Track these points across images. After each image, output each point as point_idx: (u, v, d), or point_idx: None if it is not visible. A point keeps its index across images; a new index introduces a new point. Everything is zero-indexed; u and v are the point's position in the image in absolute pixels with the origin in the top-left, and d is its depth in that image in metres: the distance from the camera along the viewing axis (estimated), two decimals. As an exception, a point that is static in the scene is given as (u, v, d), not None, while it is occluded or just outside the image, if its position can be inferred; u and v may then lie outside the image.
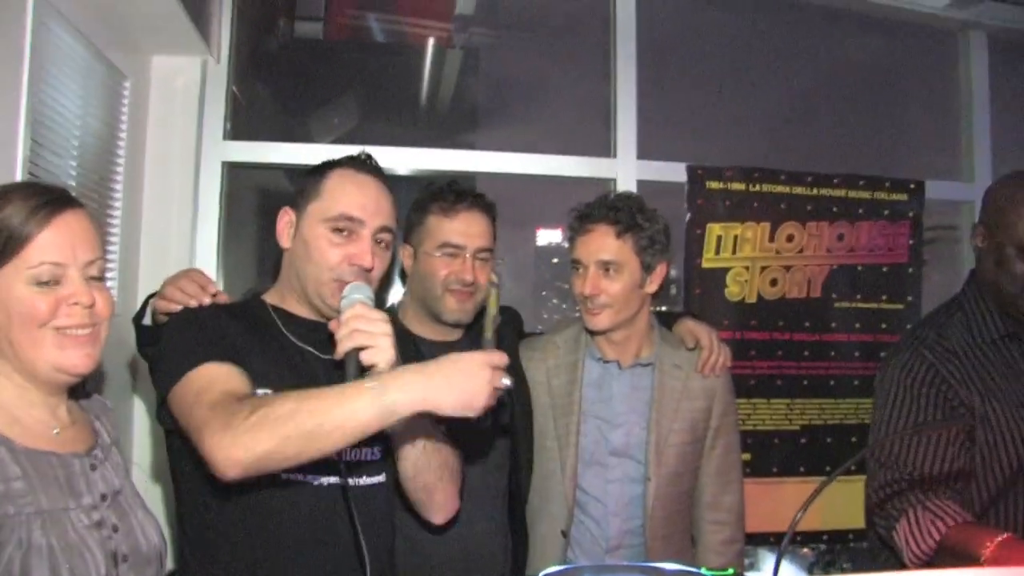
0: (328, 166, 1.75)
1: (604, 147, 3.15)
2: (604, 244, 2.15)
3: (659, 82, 3.23)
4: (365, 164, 1.77)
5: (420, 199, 2.22)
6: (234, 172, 2.96)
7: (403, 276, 2.36)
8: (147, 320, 1.79)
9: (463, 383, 1.34)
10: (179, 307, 1.69)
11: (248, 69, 3.18)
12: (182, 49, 2.75)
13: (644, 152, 3.12)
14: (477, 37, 3.58)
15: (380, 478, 1.71)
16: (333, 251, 1.66)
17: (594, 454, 2.21)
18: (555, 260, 3.91)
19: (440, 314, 2.15)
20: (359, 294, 1.56)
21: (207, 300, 1.71)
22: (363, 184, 1.72)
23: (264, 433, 1.29)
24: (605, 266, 2.15)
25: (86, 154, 2.29)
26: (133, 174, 2.63)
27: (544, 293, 4.29)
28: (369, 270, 1.66)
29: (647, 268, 2.18)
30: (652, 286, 2.21)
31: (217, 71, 2.91)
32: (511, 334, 2.38)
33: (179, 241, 2.77)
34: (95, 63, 2.34)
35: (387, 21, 3.60)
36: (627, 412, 2.22)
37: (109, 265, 2.46)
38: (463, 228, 2.14)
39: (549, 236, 3.83)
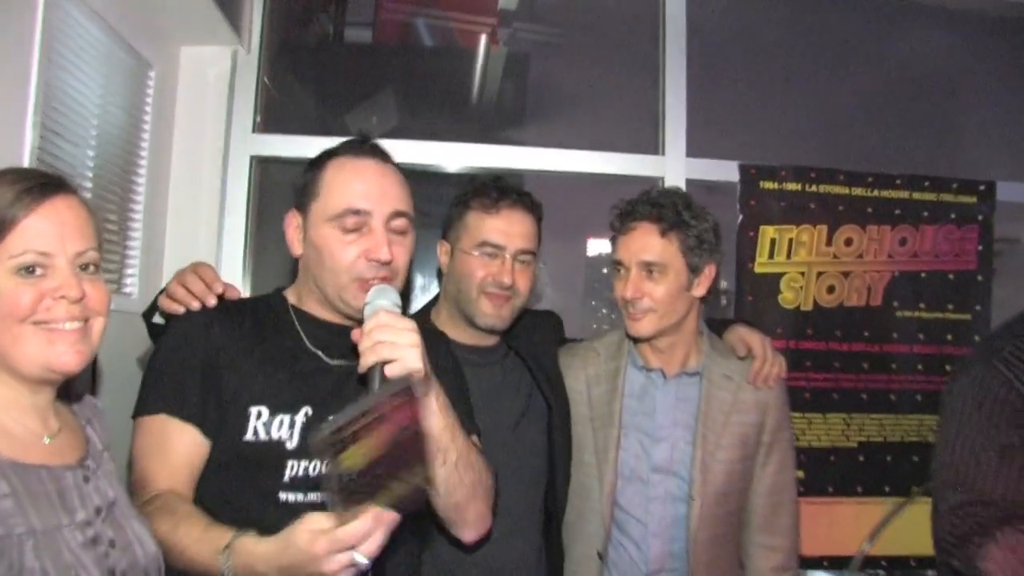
0: (322, 159, 1.65)
1: (652, 145, 3.05)
2: (647, 244, 2.04)
3: (709, 77, 3.12)
4: (362, 147, 1.65)
5: (461, 194, 2.13)
6: (265, 167, 2.91)
7: (440, 274, 2.26)
8: (157, 317, 1.72)
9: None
10: (182, 308, 1.62)
11: (281, 60, 3.13)
12: (211, 39, 2.73)
13: (694, 150, 3.02)
14: (522, 34, 3.53)
15: None
16: (346, 250, 1.56)
17: (635, 470, 2.09)
18: (604, 270, 3.83)
19: (473, 317, 2.05)
20: (383, 299, 1.46)
21: (212, 300, 1.62)
22: (363, 170, 1.61)
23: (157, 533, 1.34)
24: (648, 267, 2.03)
25: (106, 144, 2.24)
26: (158, 167, 2.60)
27: (593, 303, 4.19)
28: (389, 262, 1.56)
29: (694, 269, 2.05)
30: (700, 289, 2.09)
31: (247, 62, 2.87)
32: (550, 340, 2.27)
33: (206, 237, 2.73)
34: (117, 50, 2.29)
35: (432, 18, 3.57)
36: (671, 425, 2.10)
37: (130, 260, 2.41)
38: (504, 227, 2.04)
39: (599, 246, 3.80)
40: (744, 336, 2.19)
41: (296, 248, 1.66)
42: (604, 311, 4.06)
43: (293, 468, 1.48)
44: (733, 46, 3.26)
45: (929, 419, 2.94)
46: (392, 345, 1.35)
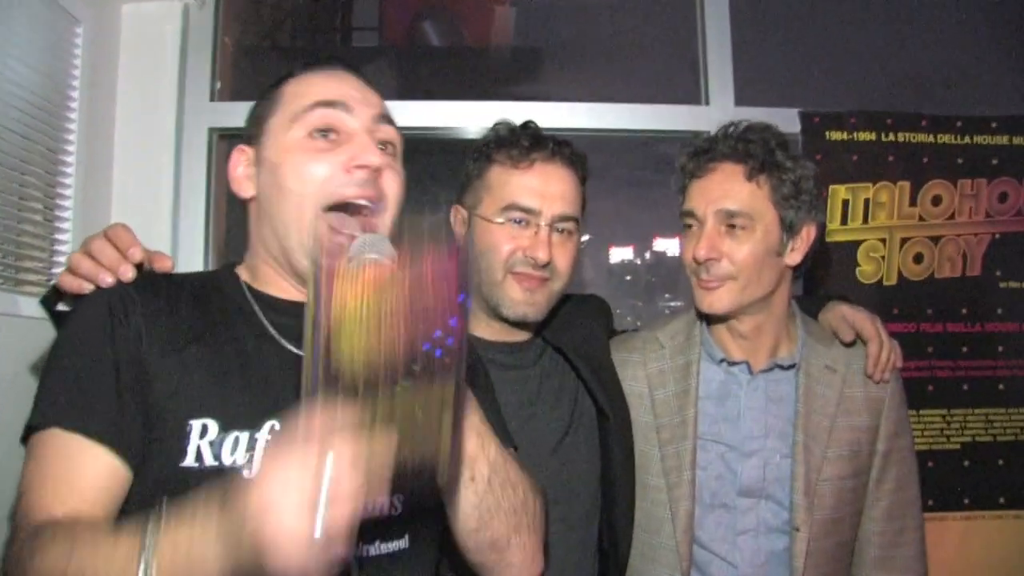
0: (283, 78, 1.34)
1: (693, 94, 2.73)
2: (730, 188, 1.67)
3: (758, 11, 2.81)
4: (335, 60, 1.35)
5: (481, 145, 1.79)
6: (228, 141, 2.59)
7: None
8: (63, 304, 1.31)
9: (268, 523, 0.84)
10: (89, 286, 1.22)
11: (244, 13, 2.78)
12: None
13: (743, 98, 2.70)
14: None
15: (400, 543, 1.22)
16: (316, 162, 1.22)
17: (717, 494, 1.73)
18: (628, 277, 3.75)
19: (499, 305, 1.70)
20: (374, 252, 1.07)
21: (128, 272, 1.22)
22: (336, 74, 1.31)
23: None
24: (730, 219, 1.66)
25: (15, 117, 1.87)
26: (95, 144, 2.26)
27: (618, 311, 3.91)
28: (379, 170, 1.23)
29: (788, 227, 1.68)
30: (795, 255, 1.73)
31: (202, 18, 2.59)
32: (598, 330, 1.89)
33: (159, 222, 2.41)
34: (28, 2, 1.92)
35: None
36: (762, 435, 1.73)
37: (59, 257, 2.05)
38: (539, 185, 1.69)
39: (622, 253, 3.71)
40: (849, 316, 1.82)
41: (245, 187, 1.31)
42: (629, 319, 3.79)
43: None
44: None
45: None
46: None
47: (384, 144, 1.28)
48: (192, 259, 2.44)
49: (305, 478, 0.83)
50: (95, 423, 1.09)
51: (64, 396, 1.12)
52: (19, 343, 1.73)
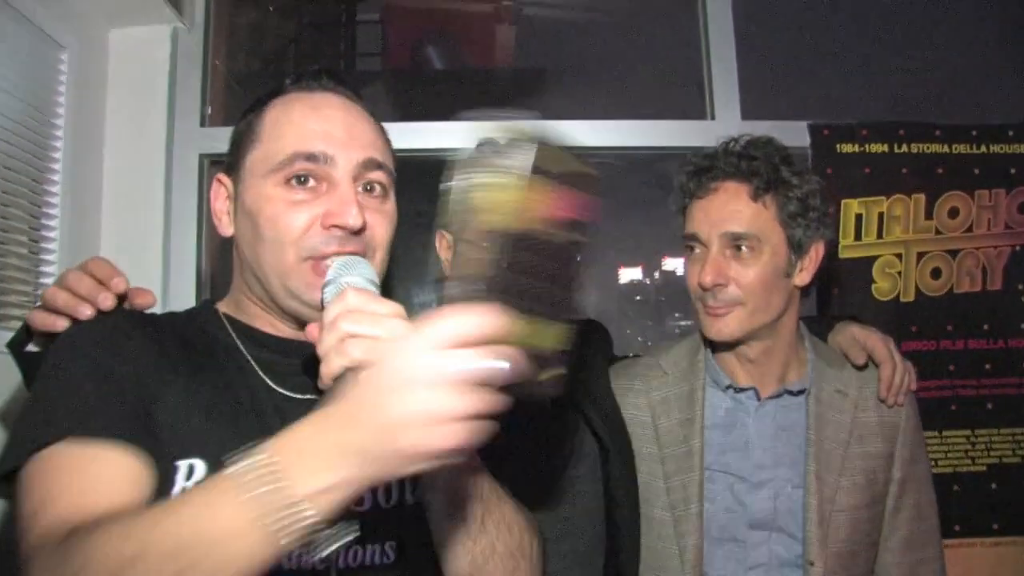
0: (267, 97, 1.25)
1: (698, 108, 2.68)
2: (734, 209, 1.61)
3: (764, 23, 2.75)
4: (319, 81, 1.25)
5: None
6: (219, 167, 2.49)
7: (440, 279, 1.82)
8: (32, 345, 1.27)
9: (397, 415, 0.79)
10: (64, 322, 1.17)
11: (235, 36, 2.75)
12: (144, 17, 2.41)
13: (750, 111, 2.64)
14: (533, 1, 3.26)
15: None
16: (293, 213, 1.15)
17: (727, 527, 1.66)
18: (638, 297, 3.70)
19: None
20: (353, 274, 1.07)
21: (108, 303, 1.18)
22: (321, 105, 1.22)
23: None
24: (736, 241, 1.60)
25: None
26: (82, 174, 2.26)
27: (628, 331, 3.88)
28: (359, 230, 1.16)
29: (796, 247, 1.63)
30: (803, 275, 1.67)
31: (191, 42, 2.55)
32: (597, 358, 1.84)
33: (150, 251, 2.38)
34: (7, 23, 1.91)
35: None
36: (773, 464, 1.67)
37: (45, 282, 2.02)
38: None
39: (631, 274, 3.71)
40: (860, 337, 1.77)
41: (225, 224, 1.26)
42: (640, 339, 3.74)
43: None
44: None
45: None
46: (371, 341, 0.93)
47: (371, 186, 1.22)
48: (184, 289, 2.40)
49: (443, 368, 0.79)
50: (111, 424, 1.02)
51: (71, 406, 1.03)
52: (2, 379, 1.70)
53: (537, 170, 0.90)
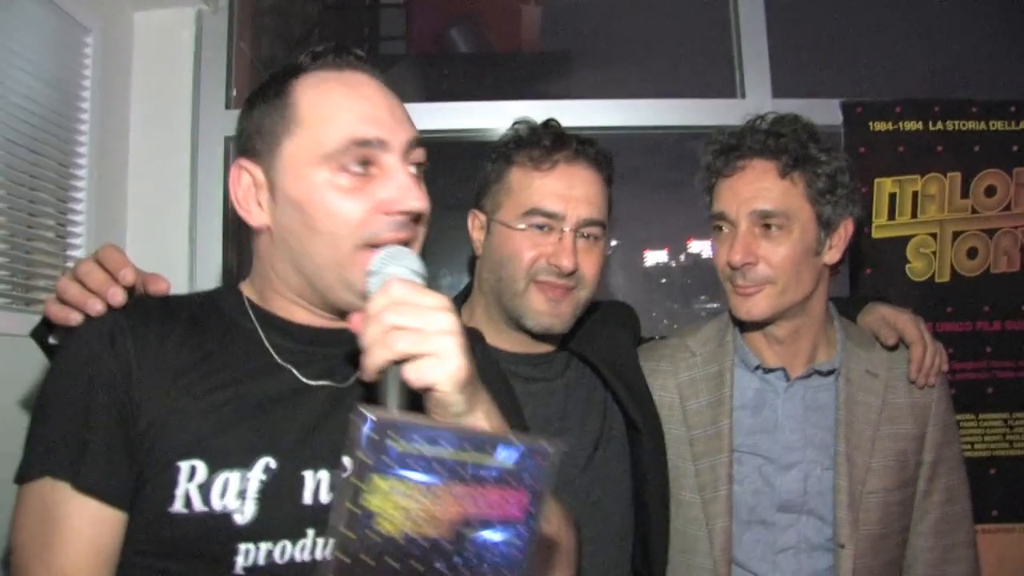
0: (288, 75, 1.21)
1: (729, 87, 2.67)
2: (763, 187, 1.62)
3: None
4: (344, 58, 1.22)
5: (499, 145, 1.74)
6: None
7: (471, 261, 1.84)
8: (53, 337, 1.29)
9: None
10: (78, 317, 1.17)
11: (259, 18, 2.78)
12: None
13: (781, 89, 2.62)
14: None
15: None
16: (351, 202, 1.12)
17: (755, 509, 1.67)
18: (663, 280, 3.73)
19: (522, 316, 1.65)
20: (397, 265, 1.05)
21: (118, 297, 1.16)
22: (357, 85, 1.19)
23: None
24: (765, 219, 1.61)
25: (23, 130, 1.90)
26: (108, 155, 2.29)
27: (654, 314, 3.87)
28: (420, 215, 1.15)
29: (826, 224, 1.64)
30: (833, 253, 1.67)
31: (216, 24, 2.58)
32: (626, 339, 1.85)
33: (176, 234, 2.42)
34: (34, 10, 1.96)
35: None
36: (802, 446, 1.68)
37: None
38: (563, 188, 1.64)
39: (656, 256, 3.71)
40: (890, 318, 1.77)
41: (257, 215, 1.20)
42: (666, 321, 3.74)
43: (248, 555, 1.05)
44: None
45: None
46: (416, 333, 0.94)
47: (416, 166, 1.20)
48: (210, 273, 2.43)
49: None
50: (84, 475, 1.06)
51: (52, 442, 1.08)
52: (30, 363, 1.74)
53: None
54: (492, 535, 0.86)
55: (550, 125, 1.72)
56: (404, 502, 0.81)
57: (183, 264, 2.38)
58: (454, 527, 0.84)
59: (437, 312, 0.96)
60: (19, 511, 1.07)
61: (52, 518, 1.05)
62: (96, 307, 1.15)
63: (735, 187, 1.65)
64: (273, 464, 1.09)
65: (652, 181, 2.99)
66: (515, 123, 1.77)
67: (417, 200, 1.13)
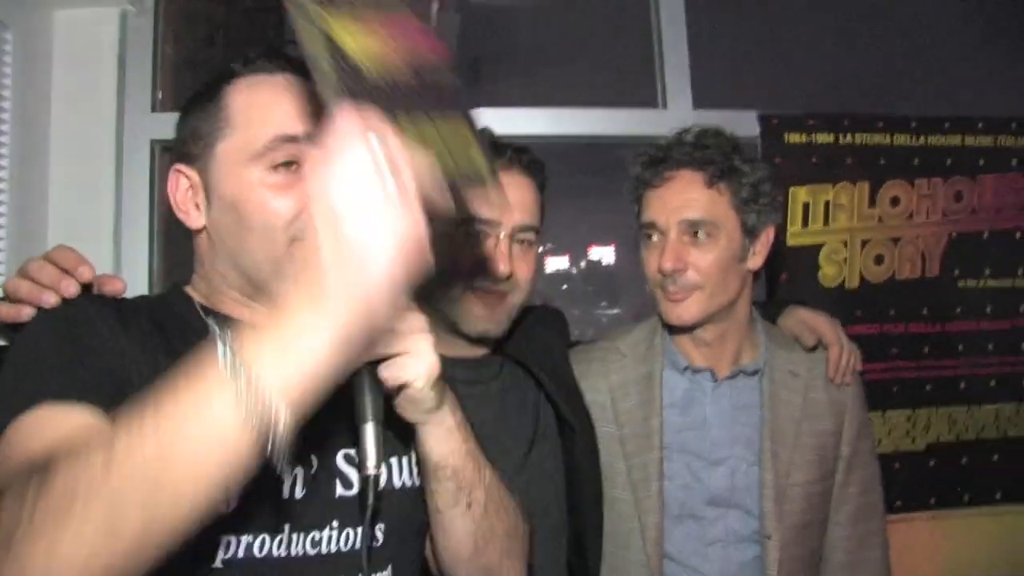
0: (221, 80, 1.24)
1: (649, 96, 2.75)
2: (690, 197, 1.71)
3: (716, 12, 2.85)
4: (274, 61, 1.25)
5: None
6: (172, 153, 2.50)
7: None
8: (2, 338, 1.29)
9: (347, 242, 0.81)
10: (28, 311, 1.16)
11: (186, 20, 2.76)
12: None
13: (702, 101, 2.74)
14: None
15: (384, 574, 1.20)
16: (282, 198, 1.16)
17: (685, 504, 1.76)
18: (564, 287, 3.79)
19: (457, 321, 1.70)
20: None
21: (72, 290, 1.16)
22: (289, 88, 1.22)
23: (66, 533, 0.75)
24: (693, 228, 1.70)
25: None
26: (27, 159, 2.24)
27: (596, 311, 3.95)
28: None
29: (749, 232, 1.74)
30: (756, 259, 1.79)
31: (140, 25, 2.54)
32: (558, 342, 1.92)
33: (101, 240, 2.37)
34: None
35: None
36: (729, 442, 1.78)
37: None
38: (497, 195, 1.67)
39: (557, 263, 3.78)
40: (808, 320, 1.89)
41: (194, 217, 1.24)
42: (605, 320, 3.82)
43: (229, 547, 1.06)
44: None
45: (1007, 408, 2.73)
46: (391, 333, 0.99)
47: None
48: (137, 278, 2.40)
49: (362, 163, 0.80)
50: (87, 391, 0.99)
51: (44, 376, 1.01)
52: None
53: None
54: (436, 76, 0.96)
55: (484, 133, 1.78)
56: (360, 40, 0.88)
57: (107, 270, 2.28)
58: (409, 66, 0.92)
59: (409, 312, 1.00)
60: (5, 447, 0.95)
61: (56, 424, 0.95)
62: (50, 299, 1.14)
63: (664, 197, 1.73)
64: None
65: (556, 189, 3.09)
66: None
67: None
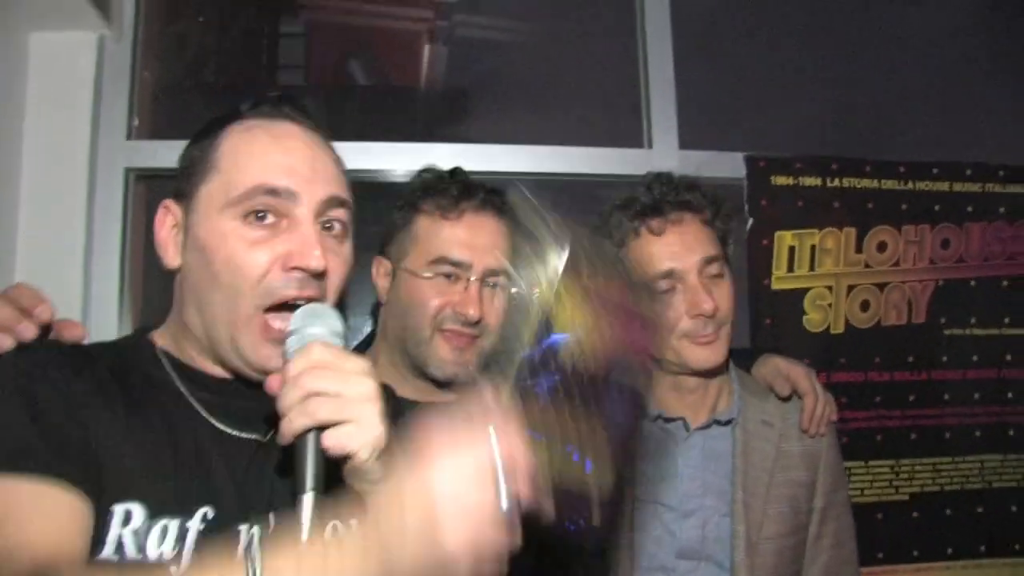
0: (224, 120, 1.23)
1: (635, 136, 2.77)
2: (701, 237, 1.76)
3: (703, 53, 2.86)
4: (278, 108, 1.24)
5: (406, 193, 1.81)
6: (146, 184, 2.55)
7: (375, 307, 1.90)
8: None
9: (425, 557, 0.83)
10: None
11: (166, 46, 2.78)
12: (69, 22, 2.39)
13: (687, 141, 2.75)
14: (465, 29, 3.35)
15: None
16: (253, 252, 1.13)
17: (655, 556, 1.77)
18: None
19: (426, 364, 1.71)
20: (317, 326, 1.07)
21: (29, 334, 1.15)
22: (283, 137, 1.20)
23: None
24: (709, 264, 1.74)
25: None
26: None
27: None
28: (320, 274, 1.15)
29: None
30: None
31: (118, 51, 2.54)
32: None
33: (70, 272, 2.35)
34: None
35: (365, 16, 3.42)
36: (701, 493, 1.79)
37: None
38: (468, 237, 1.71)
39: None
40: (784, 370, 1.91)
41: (171, 255, 1.22)
42: None
43: None
44: (728, 10, 3.00)
45: (992, 459, 2.73)
46: (336, 399, 0.97)
47: (331, 224, 1.20)
48: (106, 315, 2.37)
49: (480, 454, 0.83)
50: (40, 461, 0.98)
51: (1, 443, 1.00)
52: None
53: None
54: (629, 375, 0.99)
55: (457, 173, 1.80)
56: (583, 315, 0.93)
57: (76, 304, 2.30)
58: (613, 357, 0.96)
59: (358, 377, 0.99)
60: None
61: (23, 504, 0.96)
62: (6, 342, 1.12)
63: (680, 238, 1.75)
64: (211, 514, 1.08)
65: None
66: (422, 171, 1.84)
67: (315, 259, 1.12)
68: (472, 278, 1.68)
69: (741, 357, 1.99)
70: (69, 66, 2.43)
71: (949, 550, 2.67)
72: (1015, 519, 2.70)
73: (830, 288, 2.71)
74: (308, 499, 0.97)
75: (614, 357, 0.96)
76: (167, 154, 2.43)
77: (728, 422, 1.82)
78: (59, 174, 2.37)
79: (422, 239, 1.73)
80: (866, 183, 2.77)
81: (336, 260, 1.18)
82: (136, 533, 1.03)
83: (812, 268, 2.71)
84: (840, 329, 2.70)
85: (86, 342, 1.27)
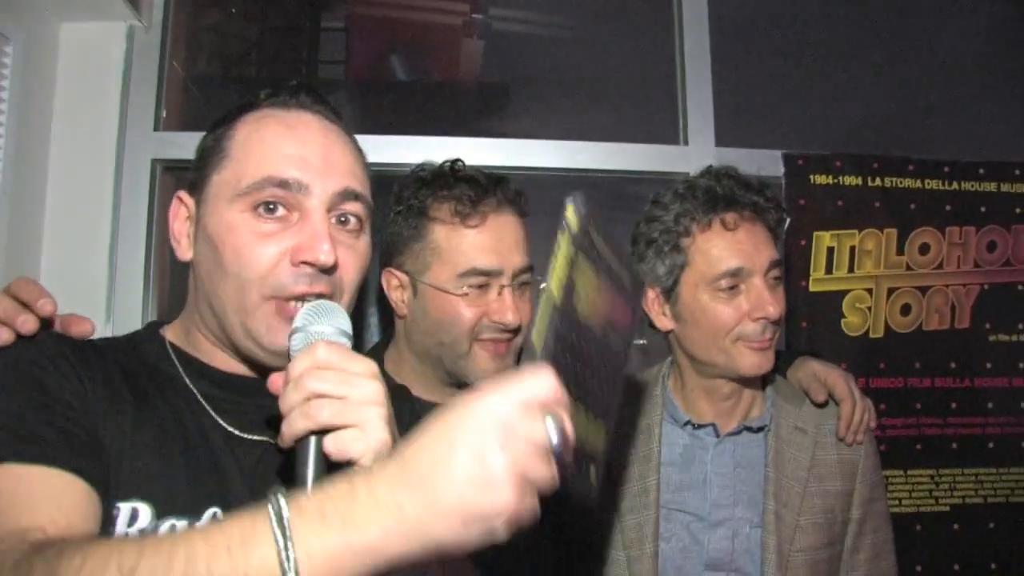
0: (241, 109, 1.21)
1: (672, 133, 2.73)
2: (765, 239, 1.72)
3: (740, 49, 2.82)
4: (295, 96, 1.21)
5: (408, 197, 1.72)
6: (173, 174, 2.53)
7: (381, 305, 1.86)
8: None
9: (470, 480, 0.77)
10: None
11: (194, 37, 2.78)
12: (99, 12, 2.41)
13: (724, 138, 2.71)
14: (502, 15, 3.33)
15: None
16: (261, 246, 1.11)
17: (682, 568, 1.71)
18: None
19: (465, 376, 1.67)
20: (323, 324, 1.04)
21: (29, 327, 1.11)
22: (296, 126, 1.17)
23: None
24: (774, 268, 1.70)
25: None
26: (25, 174, 2.25)
27: None
28: (331, 268, 1.11)
29: None
30: None
31: (148, 41, 2.54)
32: None
33: (96, 263, 2.36)
34: None
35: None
36: (731, 503, 1.73)
37: None
38: (494, 242, 1.65)
39: None
40: (820, 374, 1.84)
41: (184, 248, 1.21)
42: None
43: None
44: (768, 7, 2.94)
45: None
46: (340, 402, 0.94)
47: (346, 217, 1.17)
48: (130, 306, 2.37)
49: (529, 388, 0.81)
50: (47, 451, 0.97)
51: (8, 431, 0.97)
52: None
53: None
54: (616, 340, 1.04)
55: (459, 169, 1.71)
56: (587, 288, 0.95)
57: (101, 295, 2.32)
58: (604, 323, 0.99)
59: (363, 380, 0.96)
60: None
61: (32, 490, 0.94)
62: (4, 336, 1.08)
63: (749, 239, 1.69)
64: (221, 516, 1.06)
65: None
66: (418, 170, 1.76)
67: (324, 253, 1.09)
68: (504, 283, 1.64)
69: (776, 360, 1.94)
70: (98, 56, 2.44)
71: (992, 565, 2.58)
72: (1061, 534, 2.61)
73: (870, 291, 2.64)
74: None
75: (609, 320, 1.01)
76: (195, 146, 2.48)
77: (760, 429, 1.76)
78: (86, 164, 2.38)
79: (444, 250, 1.65)
80: (909, 183, 2.69)
81: (349, 255, 1.15)
82: (143, 532, 1.02)
83: (851, 270, 2.64)
84: (880, 333, 2.64)
85: (99, 324, 1.25)
